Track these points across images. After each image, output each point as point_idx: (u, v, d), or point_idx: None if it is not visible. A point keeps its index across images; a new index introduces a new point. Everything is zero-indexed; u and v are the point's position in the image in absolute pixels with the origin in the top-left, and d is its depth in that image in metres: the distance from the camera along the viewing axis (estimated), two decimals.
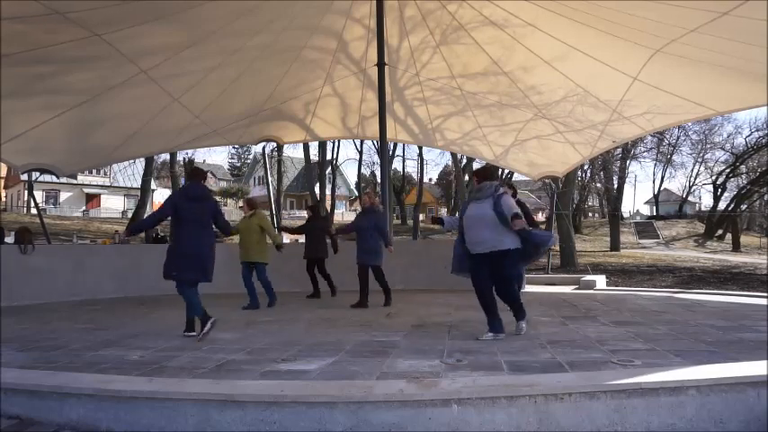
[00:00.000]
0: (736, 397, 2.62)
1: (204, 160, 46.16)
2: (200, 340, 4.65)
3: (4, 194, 38.96)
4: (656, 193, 46.17)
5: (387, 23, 8.75)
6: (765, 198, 38.50)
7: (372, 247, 6.93)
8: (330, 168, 35.10)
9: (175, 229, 5.06)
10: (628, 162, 28.72)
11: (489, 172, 5.16)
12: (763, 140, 30.43)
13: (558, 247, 18.46)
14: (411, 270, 9.32)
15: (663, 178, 42.98)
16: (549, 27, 7.81)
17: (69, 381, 3.08)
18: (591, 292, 8.73)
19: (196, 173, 5.25)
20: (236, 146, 45.68)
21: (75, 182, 41.53)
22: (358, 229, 7.11)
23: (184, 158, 32.10)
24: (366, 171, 40.37)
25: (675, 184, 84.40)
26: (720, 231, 35.45)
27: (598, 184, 32.23)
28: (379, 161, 21.59)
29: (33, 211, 24.38)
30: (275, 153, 29.61)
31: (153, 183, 37.59)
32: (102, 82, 7.84)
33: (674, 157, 33.22)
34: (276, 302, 7.20)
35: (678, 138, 29.80)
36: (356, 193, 45.13)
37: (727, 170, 34.61)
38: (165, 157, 31.43)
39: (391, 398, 2.65)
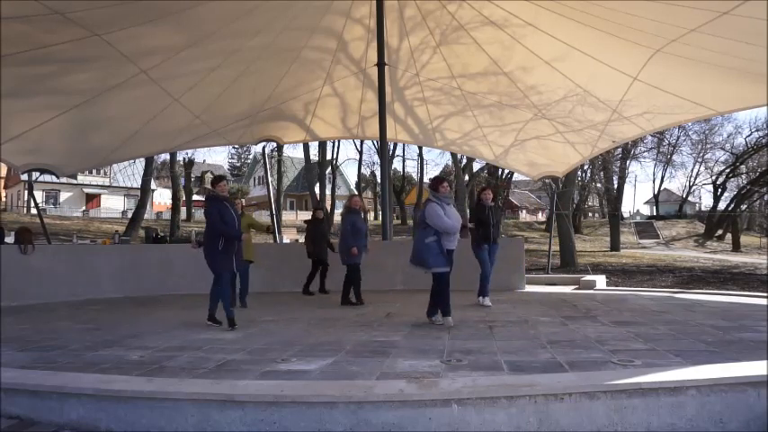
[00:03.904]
0: (736, 397, 2.62)
1: (204, 160, 46.19)
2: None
3: (4, 194, 38.95)
4: (656, 193, 46.15)
5: (387, 23, 8.75)
6: (765, 198, 38.51)
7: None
8: (330, 168, 35.10)
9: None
10: (628, 162, 28.73)
11: None
12: (763, 140, 30.46)
13: (558, 248, 18.46)
14: (411, 270, 9.29)
15: (663, 178, 43.04)
16: (549, 27, 7.81)
17: (69, 381, 3.08)
18: (591, 292, 8.72)
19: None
20: (236, 146, 45.67)
21: (75, 182, 41.53)
22: (361, 230, 7.17)
23: (184, 158, 32.16)
24: (366, 171, 40.38)
25: (675, 184, 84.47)
26: (720, 231, 35.45)
27: (598, 185, 32.22)
28: (379, 161, 21.60)
29: (33, 211, 24.38)
30: (275, 153, 29.64)
31: (153, 183, 37.63)
32: (102, 82, 7.84)
33: (674, 157, 33.28)
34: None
35: (678, 138, 29.84)
36: (356, 193, 45.11)
37: (727, 170, 34.62)
38: (165, 157, 31.50)
39: (391, 398, 2.65)
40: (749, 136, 32.81)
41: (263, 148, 13.61)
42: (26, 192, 34.17)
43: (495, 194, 6.31)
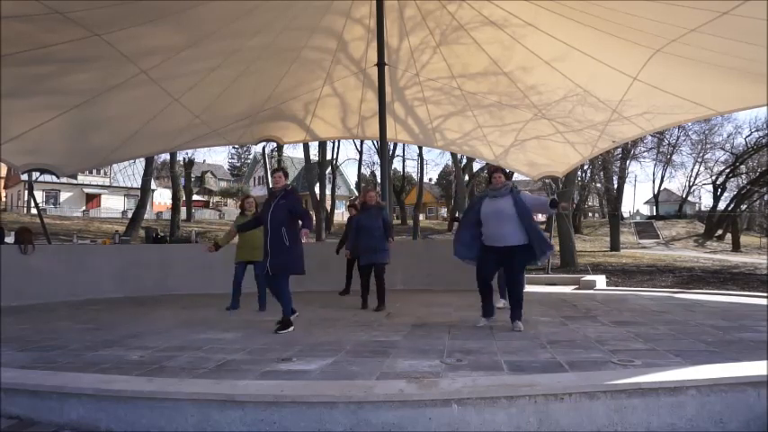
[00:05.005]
0: (736, 397, 2.62)
1: (204, 160, 46.22)
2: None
3: (4, 194, 38.95)
4: (656, 193, 46.18)
5: (387, 23, 8.74)
6: (765, 198, 38.51)
7: (382, 244, 6.70)
8: (330, 168, 35.11)
9: (293, 229, 5.13)
10: (628, 162, 28.71)
11: (507, 172, 5.52)
12: (763, 140, 30.46)
13: (558, 248, 18.46)
14: (411, 270, 9.32)
15: (663, 178, 43.08)
16: (548, 27, 7.81)
17: (69, 381, 3.08)
18: (591, 292, 8.72)
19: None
20: (236, 146, 45.67)
21: (75, 182, 41.54)
22: (367, 228, 6.75)
23: (184, 158, 32.17)
24: (366, 171, 40.40)
25: (675, 184, 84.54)
26: (720, 231, 35.45)
27: (598, 185, 32.22)
28: (379, 161, 21.62)
29: (33, 211, 24.39)
30: (275, 153, 29.66)
31: (153, 183, 37.64)
32: (102, 82, 7.83)
33: (674, 157, 33.24)
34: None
35: (678, 138, 29.83)
36: (356, 193, 45.14)
37: (727, 170, 34.63)
38: (165, 157, 31.51)
39: (391, 398, 2.65)
40: (749, 136, 32.88)
41: (263, 148, 13.67)
42: (26, 192, 34.20)
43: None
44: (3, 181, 36.10)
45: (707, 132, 31.13)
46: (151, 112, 8.87)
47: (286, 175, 5.42)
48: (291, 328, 5.10)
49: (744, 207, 34.23)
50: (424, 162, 36.17)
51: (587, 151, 10.81)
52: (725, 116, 28.80)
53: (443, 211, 51.69)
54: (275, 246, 5.04)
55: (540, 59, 8.59)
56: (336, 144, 33.34)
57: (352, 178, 50.24)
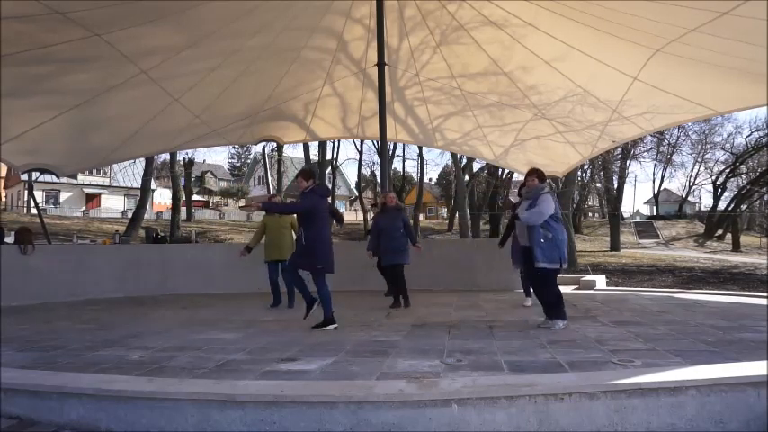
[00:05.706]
0: (736, 397, 2.62)
1: (204, 160, 46.20)
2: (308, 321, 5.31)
3: (4, 194, 38.95)
4: (656, 193, 46.18)
5: (387, 23, 8.74)
6: (765, 198, 38.52)
7: (403, 245, 6.89)
8: (330, 168, 35.08)
9: (312, 224, 5.23)
10: (628, 162, 28.71)
11: (542, 174, 5.35)
12: (763, 140, 30.49)
13: None
14: (411, 270, 9.23)
15: (663, 178, 43.07)
16: (548, 27, 7.80)
17: (70, 381, 3.08)
18: (591, 292, 8.72)
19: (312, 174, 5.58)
20: (236, 146, 45.70)
21: (75, 182, 41.54)
22: (387, 230, 6.89)
23: (184, 158, 32.17)
24: (366, 171, 40.33)
25: (675, 184, 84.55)
26: (720, 231, 35.45)
27: (598, 185, 32.21)
28: (379, 161, 21.61)
29: (33, 211, 24.39)
30: (275, 153, 29.64)
31: (153, 183, 37.63)
32: (102, 82, 7.83)
33: (674, 157, 33.26)
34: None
35: (678, 138, 29.85)
36: (356, 193, 45.12)
37: (727, 170, 34.64)
38: (165, 157, 31.49)
39: (391, 398, 2.65)
40: (749, 136, 32.94)
41: (263, 148, 13.63)
42: (26, 192, 34.21)
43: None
44: (3, 181, 36.09)
45: (707, 132, 31.20)
46: (151, 112, 8.87)
47: (306, 177, 5.38)
48: (332, 327, 5.21)
49: (744, 207, 34.24)
50: (424, 162, 36.15)
51: (587, 151, 10.80)
52: (725, 116, 28.84)
53: (443, 211, 51.70)
54: (297, 244, 5.47)
55: (540, 59, 8.59)
56: (336, 144, 33.30)
57: (352, 178, 50.28)
